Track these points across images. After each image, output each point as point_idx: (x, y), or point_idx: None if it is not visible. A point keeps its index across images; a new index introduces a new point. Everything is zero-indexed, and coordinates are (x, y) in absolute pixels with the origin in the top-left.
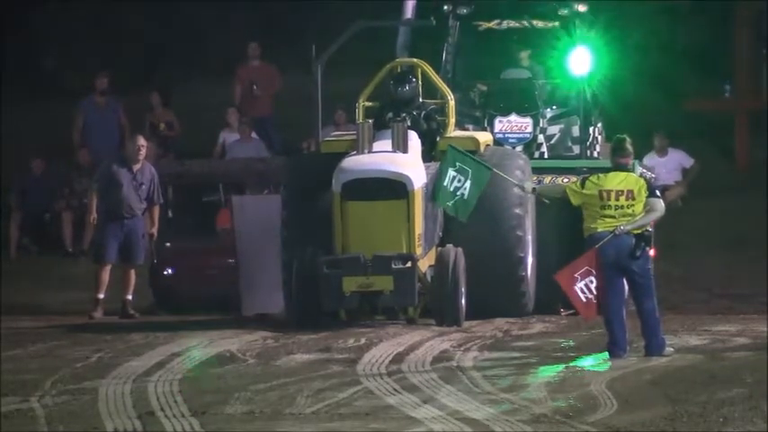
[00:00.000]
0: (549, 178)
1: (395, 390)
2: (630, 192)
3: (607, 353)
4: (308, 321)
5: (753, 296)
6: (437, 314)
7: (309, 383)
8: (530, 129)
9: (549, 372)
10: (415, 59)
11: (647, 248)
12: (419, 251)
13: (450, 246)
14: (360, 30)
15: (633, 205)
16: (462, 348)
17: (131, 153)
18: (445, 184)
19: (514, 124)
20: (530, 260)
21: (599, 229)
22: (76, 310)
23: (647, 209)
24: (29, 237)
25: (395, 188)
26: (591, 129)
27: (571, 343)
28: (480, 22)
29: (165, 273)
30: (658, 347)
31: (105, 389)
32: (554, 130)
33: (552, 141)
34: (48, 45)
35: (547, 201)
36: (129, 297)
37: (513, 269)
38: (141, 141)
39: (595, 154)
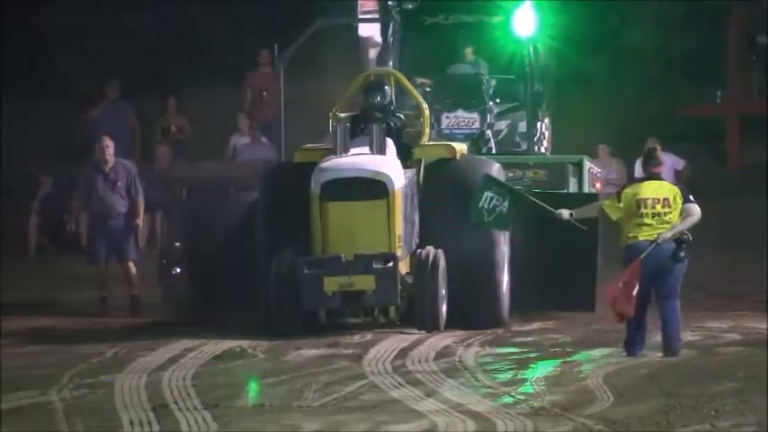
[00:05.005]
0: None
1: (399, 384)
2: (666, 200)
3: (624, 348)
4: (285, 324)
5: (746, 294)
6: (418, 318)
7: (317, 378)
8: (477, 124)
9: (548, 366)
10: (388, 68)
11: (687, 253)
12: (399, 252)
13: (430, 247)
14: (319, 29)
15: (670, 212)
16: (464, 344)
17: (99, 155)
18: (480, 205)
19: (461, 120)
20: (506, 273)
21: (640, 238)
22: (93, 308)
23: (685, 215)
24: (47, 237)
25: (375, 188)
26: (538, 124)
27: (568, 339)
28: (426, 17)
29: (174, 272)
30: (676, 349)
31: (121, 382)
32: (501, 125)
33: (500, 137)
34: (57, 48)
35: (585, 227)
36: (137, 292)
37: (489, 270)
38: (107, 142)
39: (542, 149)
